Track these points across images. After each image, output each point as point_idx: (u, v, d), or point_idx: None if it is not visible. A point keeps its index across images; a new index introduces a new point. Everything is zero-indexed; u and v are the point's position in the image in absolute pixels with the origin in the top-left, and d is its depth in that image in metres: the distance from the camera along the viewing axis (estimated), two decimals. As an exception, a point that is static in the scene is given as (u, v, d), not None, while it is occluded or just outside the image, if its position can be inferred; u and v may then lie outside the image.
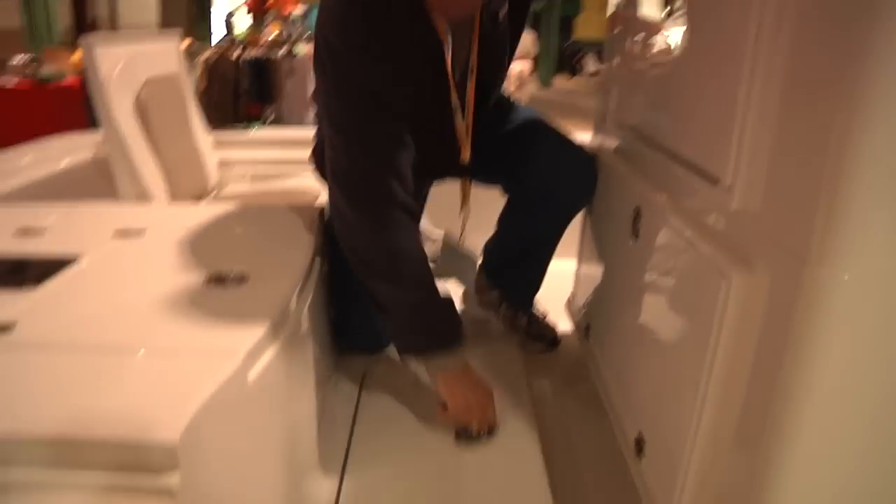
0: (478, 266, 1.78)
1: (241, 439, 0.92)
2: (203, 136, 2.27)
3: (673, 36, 1.14)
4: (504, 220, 1.64)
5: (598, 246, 1.48)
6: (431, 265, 1.31)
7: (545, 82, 12.24)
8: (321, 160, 1.43)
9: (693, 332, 0.93)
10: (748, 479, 0.83)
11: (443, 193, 1.65)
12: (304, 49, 4.93)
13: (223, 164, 2.36)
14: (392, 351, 1.55)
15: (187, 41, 6.54)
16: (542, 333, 1.71)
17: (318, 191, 1.88)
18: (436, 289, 1.28)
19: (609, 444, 1.26)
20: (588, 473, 1.30)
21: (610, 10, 1.51)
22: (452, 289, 1.90)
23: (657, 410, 1.07)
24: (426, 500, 1.19)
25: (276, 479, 1.05)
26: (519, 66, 10.90)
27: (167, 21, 10.94)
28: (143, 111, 1.90)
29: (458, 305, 1.43)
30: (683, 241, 0.97)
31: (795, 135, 0.76)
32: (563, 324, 1.72)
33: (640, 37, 1.31)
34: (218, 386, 0.84)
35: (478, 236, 1.71)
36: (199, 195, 2.17)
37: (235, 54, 5.80)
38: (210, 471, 0.83)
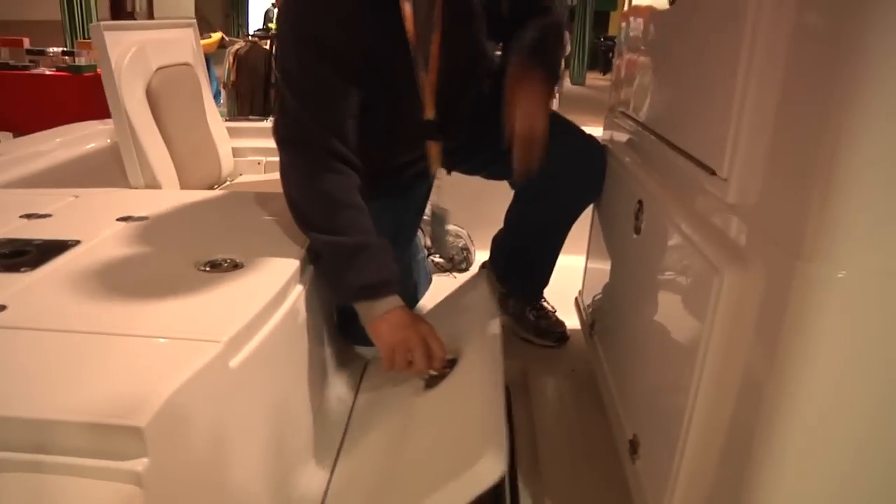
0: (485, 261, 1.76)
1: (222, 427, 0.91)
2: (217, 125, 2.28)
3: (675, 27, 1.11)
4: (511, 213, 1.61)
5: (604, 241, 1.46)
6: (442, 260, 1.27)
7: (577, 78, 12.15)
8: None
9: (686, 331, 0.90)
10: (738, 482, 0.80)
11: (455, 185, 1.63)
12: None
13: (237, 153, 2.37)
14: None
15: (219, 33, 6.63)
16: (550, 329, 1.68)
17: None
18: (366, 238, 1.24)
19: (607, 445, 1.23)
20: (583, 473, 1.27)
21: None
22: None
23: (651, 411, 1.04)
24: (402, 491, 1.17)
25: (260, 469, 1.04)
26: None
27: (203, 13, 11.10)
28: (154, 99, 1.91)
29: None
30: (679, 235, 0.95)
31: (792, 129, 0.73)
32: (571, 320, 1.69)
33: (645, 28, 1.28)
34: (194, 372, 0.83)
35: (486, 231, 1.69)
36: (212, 183, 2.18)
37: (267, 46, 5.85)
38: (184, 458, 0.82)
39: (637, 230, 1.16)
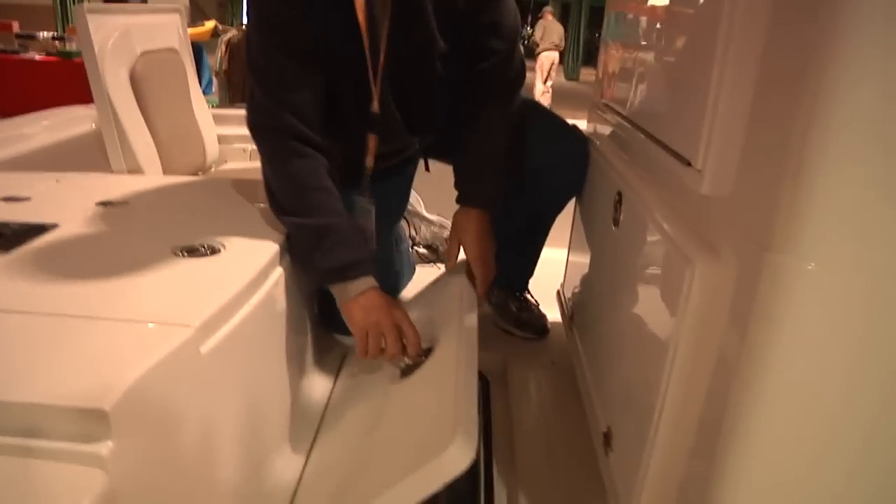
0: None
1: (191, 413, 0.90)
2: (203, 111, 2.26)
3: (654, 20, 1.11)
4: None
5: (585, 233, 1.46)
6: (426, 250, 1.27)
7: (572, 74, 12.15)
8: None
9: (659, 324, 0.90)
10: (707, 476, 0.80)
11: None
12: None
13: (223, 140, 2.36)
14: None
15: (213, 22, 6.59)
16: (530, 321, 1.68)
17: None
18: (333, 219, 1.24)
19: (583, 438, 1.23)
20: (559, 465, 1.27)
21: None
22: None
23: (624, 404, 1.04)
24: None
25: (230, 456, 1.03)
26: (550, 58, 10.90)
27: (197, 2, 11.01)
28: (137, 84, 1.89)
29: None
30: (655, 226, 0.95)
31: (764, 122, 0.73)
32: (554, 312, 1.69)
33: (627, 22, 1.28)
34: (163, 356, 0.83)
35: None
36: (196, 170, 2.16)
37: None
38: (151, 443, 0.82)
39: (616, 222, 1.16)
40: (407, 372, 1.22)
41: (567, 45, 11.94)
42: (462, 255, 1.44)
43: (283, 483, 1.16)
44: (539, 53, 11.14)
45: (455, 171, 1.45)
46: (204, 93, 2.38)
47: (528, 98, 1.54)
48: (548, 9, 11.61)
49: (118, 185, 1.53)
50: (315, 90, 1.29)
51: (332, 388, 1.42)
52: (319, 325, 1.50)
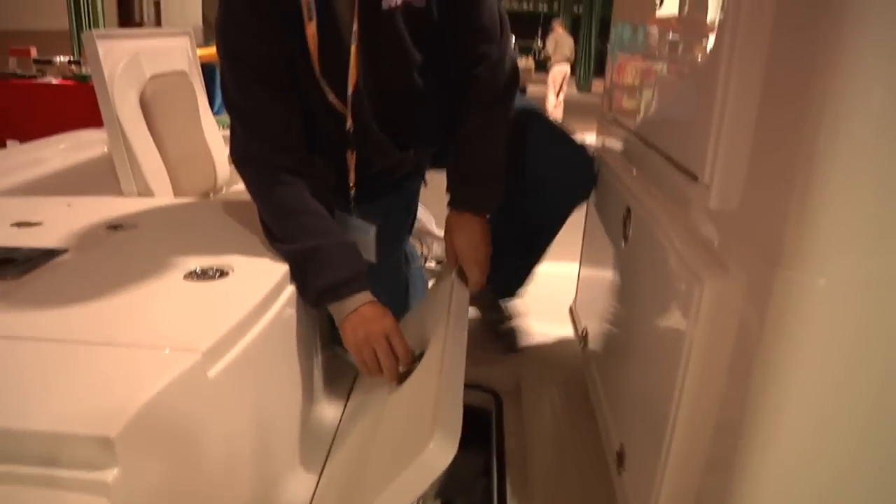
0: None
1: (199, 438, 0.90)
2: (213, 133, 2.28)
3: (659, 34, 1.10)
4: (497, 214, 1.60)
5: (596, 248, 1.45)
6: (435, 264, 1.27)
7: (584, 86, 12.15)
8: None
9: (670, 341, 0.89)
10: (722, 495, 0.78)
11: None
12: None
13: (234, 162, 2.37)
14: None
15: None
16: (504, 335, 1.69)
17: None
18: (319, 240, 1.24)
19: (597, 456, 1.21)
20: (573, 484, 1.25)
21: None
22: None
23: (637, 422, 1.03)
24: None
25: (239, 481, 1.02)
26: (561, 71, 10.92)
27: (211, 21, 11.15)
28: (147, 108, 1.91)
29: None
30: (663, 242, 0.93)
31: (771, 135, 0.72)
32: (566, 329, 1.67)
33: (633, 35, 1.27)
34: (169, 382, 0.82)
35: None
36: (206, 191, 2.18)
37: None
38: (157, 469, 0.81)
39: (626, 238, 1.14)
40: (402, 379, 1.21)
41: (578, 57, 11.97)
42: None
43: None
44: (551, 67, 11.17)
45: (447, 173, 1.43)
46: (216, 113, 2.40)
47: (534, 109, 1.52)
48: (558, 22, 11.64)
49: (128, 209, 1.53)
50: (289, 116, 1.31)
51: (344, 408, 1.41)
52: (329, 347, 1.50)
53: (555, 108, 10.64)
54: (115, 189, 1.95)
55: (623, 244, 1.16)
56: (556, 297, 1.71)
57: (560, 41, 11.23)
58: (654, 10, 1.11)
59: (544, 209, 1.51)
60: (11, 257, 1.21)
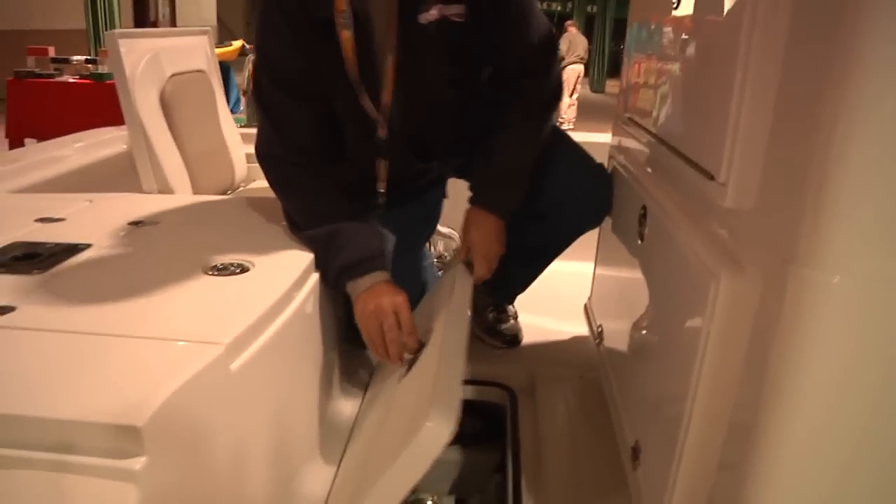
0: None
1: (221, 429, 0.92)
2: (231, 131, 2.30)
3: (677, 33, 1.11)
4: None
5: (611, 247, 1.46)
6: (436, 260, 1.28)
7: (597, 86, 12.12)
8: None
9: (685, 337, 0.90)
10: (736, 492, 0.79)
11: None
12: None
13: (251, 159, 2.39)
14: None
15: (240, 41, 6.70)
16: (501, 331, 1.71)
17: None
18: (341, 224, 1.28)
19: (611, 453, 1.22)
20: (587, 481, 1.26)
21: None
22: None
23: (652, 418, 1.04)
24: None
25: (260, 471, 1.04)
26: (575, 71, 10.89)
27: (225, 21, 11.22)
28: (167, 106, 1.94)
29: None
30: (679, 240, 0.94)
31: (787, 135, 0.73)
32: (581, 327, 1.68)
33: (649, 35, 1.28)
34: (194, 374, 0.84)
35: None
36: (225, 189, 2.20)
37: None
38: (182, 458, 0.83)
39: (641, 236, 1.15)
40: (409, 366, 1.23)
41: (592, 57, 11.95)
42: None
43: (313, 497, 1.17)
44: (564, 67, 11.15)
45: (474, 171, 1.45)
46: (231, 111, 2.43)
47: (555, 126, 1.53)
48: (571, 22, 11.61)
49: (149, 206, 1.56)
50: (315, 122, 1.35)
51: (362, 401, 1.43)
52: (348, 342, 1.52)
53: (568, 109, 10.62)
54: (133, 187, 1.97)
55: (639, 242, 1.17)
56: (572, 295, 1.72)
57: (574, 41, 11.21)
58: (671, 10, 1.12)
59: (558, 229, 1.52)
60: (36, 252, 1.23)
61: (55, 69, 5.56)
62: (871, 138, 0.61)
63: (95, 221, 1.45)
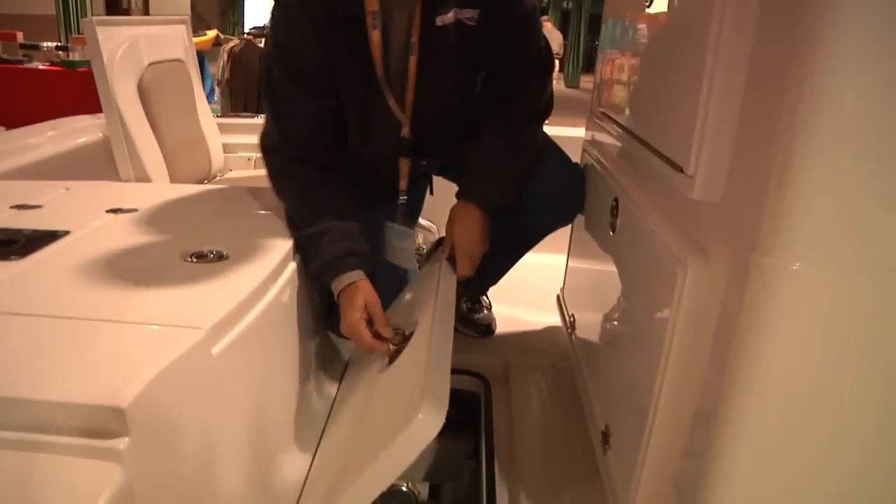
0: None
1: (203, 412, 0.93)
2: (208, 121, 2.30)
3: (648, 30, 1.14)
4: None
5: (584, 238, 1.49)
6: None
7: (572, 81, 12.20)
8: None
9: (653, 323, 0.93)
10: (700, 474, 0.82)
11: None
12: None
13: (228, 149, 2.40)
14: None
15: (214, 31, 6.64)
16: (475, 321, 1.76)
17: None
18: (331, 223, 1.30)
19: (583, 438, 1.26)
20: (559, 464, 1.30)
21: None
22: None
23: (622, 402, 1.07)
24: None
25: (241, 454, 1.06)
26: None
27: (199, 11, 11.07)
28: (145, 95, 1.93)
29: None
30: (649, 230, 0.98)
31: (751, 129, 0.77)
32: (554, 317, 1.72)
33: (622, 31, 1.31)
34: (175, 357, 0.86)
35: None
36: (202, 178, 2.20)
37: (262, 44, 5.86)
38: (164, 440, 0.85)
39: (613, 228, 1.19)
40: (393, 358, 1.26)
41: (567, 52, 12.01)
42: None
43: (291, 481, 1.19)
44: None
45: (465, 167, 1.47)
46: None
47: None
48: (547, 17, 11.66)
49: (127, 193, 1.56)
50: (318, 116, 1.35)
51: (337, 389, 1.45)
52: (325, 330, 1.54)
53: (543, 103, 10.64)
54: (108, 175, 1.97)
55: (611, 234, 1.20)
56: (545, 286, 1.75)
57: (549, 36, 11.21)
58: (644, 7, 1.16)
59: (531, 225, 1.56)
60: (14, 238, 1.23)
61: (24, 55, 5.45)
62: (829, 132, 0.65)
63: (73, 208, 1.45)
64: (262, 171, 1.42)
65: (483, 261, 1.49)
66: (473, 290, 1.77)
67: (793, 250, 0.69)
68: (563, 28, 12.11)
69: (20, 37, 5.73)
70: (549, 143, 1.54)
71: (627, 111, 1.25)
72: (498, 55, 1.40)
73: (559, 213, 1.54)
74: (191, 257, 1.18)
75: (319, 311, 1.50)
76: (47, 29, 7.51)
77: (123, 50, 1.88)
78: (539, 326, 1.81)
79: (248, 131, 2.49)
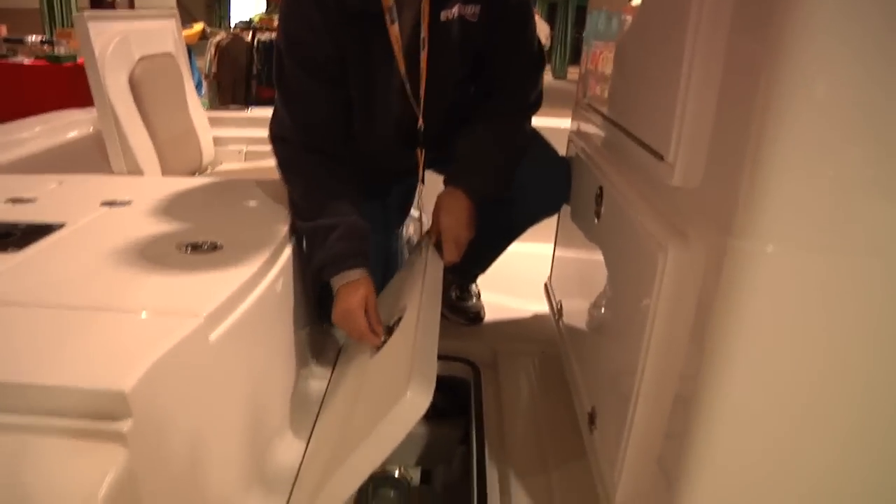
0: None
1: (201, 397, 0.96)
2: (199, 114, 2.32)
3: (630, 21, 1.17)
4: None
5: (570, 227, 1.52)
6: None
7: (560, 72, 12.22)
8: None
9: (636, 307, 0.96)
10: (681, 454, 0.85)
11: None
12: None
13: (219, 142, 2.41)
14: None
15: (201, 24, 6.62)
16: (464, 309, 1.79)
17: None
18: (336, 220, 1.32)
19: (570, 422, 1.29)
20: (547, 447, 1.33)
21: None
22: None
23: (607, 385, 1.10)
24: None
25: (237, 438, 1.09)
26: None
27: (185, 4, 10.97)
28: (136, 88, 1.95)
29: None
30: (631, 217, 1.01)
31: (728, 117, 0.79)
32: (541, 305, 1.75)
33: (606, 22, 1.34)
34: (175, 343, 0.89)
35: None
36: (193, 171, 2.22)
37: (249, 38, 5.85)
38: (165, 424, 0.87)
39: (598, 216, 1.22)
40: (383, 343, 1.30)
41: (554, 44, 12.03)
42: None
43: (286, 465, 1.22)
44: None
45: (454, 156, 1.50)
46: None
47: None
48: (534, 9, 11.62)
49: (120, 186, 1.58)
50: (332, 107, 1.38)
51: (330, 377, 1.48)
52: (318, 319, 1.57)
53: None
54: (100, 168, 1.98)
55: (595, 221, 1.23)
56: (532, 275, 1.78)
57: (536, 28, 11.24)
58: (628, 0, 1.18)
59: (518, 214, 1.59)
60: (10, 231, 1.25)
61: (8, 49, 5.42)
62: (801, 119, 0.67)
63: (67, 201, 1.47)
64: (254, 164, 1.45)
65: (471, 249, 1.51)
66: (464, 277, 1.79)
67: (766, 234, 0.72)
68: (551, 20, 12.12)
69: (4, 31, 5.70)
70: (537, 136, 1.57)
71: (611, 101, 1.28)
72: (494, 50, 1.43)
73: (545, 203, 1.57)
74: (186, 248, 1.21)
75: (313, 300, 1.53)
76: (32, 23, 7.44)
77: (115, 44, 1.89)
78: (527, 314, 1.84)
79: (238, 124, 2.51)
